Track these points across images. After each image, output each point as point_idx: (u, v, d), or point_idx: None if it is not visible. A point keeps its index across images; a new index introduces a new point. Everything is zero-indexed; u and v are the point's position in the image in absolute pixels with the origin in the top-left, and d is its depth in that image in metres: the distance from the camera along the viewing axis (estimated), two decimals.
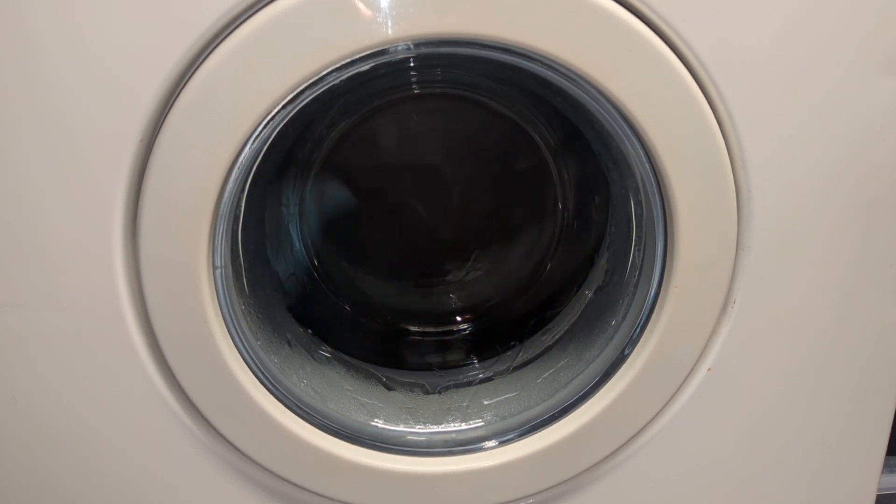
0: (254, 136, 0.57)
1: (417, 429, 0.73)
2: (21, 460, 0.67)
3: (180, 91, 0.55)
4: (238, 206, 0.67)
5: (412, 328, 1.00)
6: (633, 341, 0.67)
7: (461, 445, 0.71)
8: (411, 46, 0.56)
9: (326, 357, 0.82)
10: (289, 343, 0.77)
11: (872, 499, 0.76)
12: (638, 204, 0.69)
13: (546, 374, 0.78)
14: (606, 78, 0.56)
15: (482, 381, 0.83)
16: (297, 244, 0.98)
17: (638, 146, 0.60)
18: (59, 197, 0.57)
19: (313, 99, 0.59)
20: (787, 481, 0.74)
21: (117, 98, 0.55)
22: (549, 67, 0.58)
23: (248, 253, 0.74)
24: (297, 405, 0.67)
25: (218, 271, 0.62)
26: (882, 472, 0.75)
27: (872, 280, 0.66)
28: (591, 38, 0.55)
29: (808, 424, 0.71)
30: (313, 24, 0.53)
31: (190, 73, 0.55)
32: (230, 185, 0.58)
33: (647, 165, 0.61)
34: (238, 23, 0.54)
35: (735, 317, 0.65)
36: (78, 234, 0.59)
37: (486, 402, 0.77)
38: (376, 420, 0.73)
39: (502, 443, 0.70)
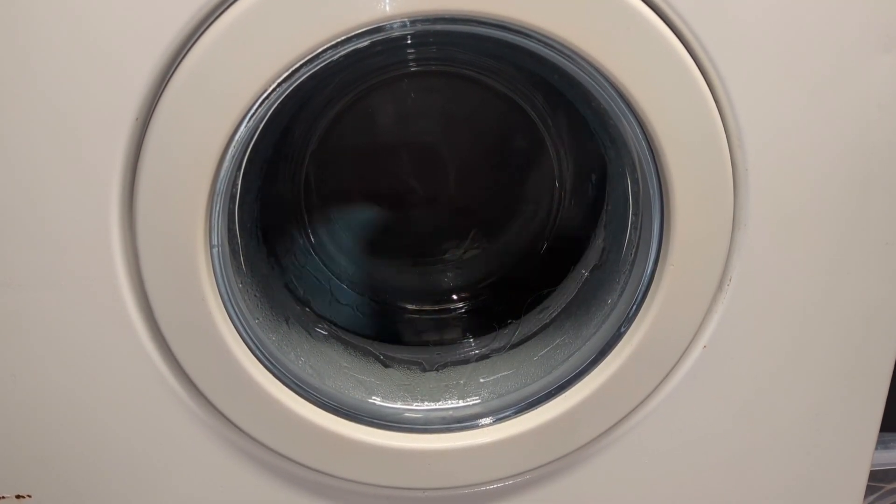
0: (250, 114, 0.56)
1: (415, 406, 0.73)
2: (20, 438, 0.67)
3: (175, 69, 0.55)
4: (235, 184, 0.67)
5: (410, 306, 1.00)
6: (629, 319, 0.68)
7: (458, 422, 0.71)
8: (407, 23, 0.56)
9: (324, 335, 0.82)
10: (286, 321, 0.77)
11: (866, 474, 0.77)
12: (634, 182, 0.69)
13: (543, 352, 0.78)
14: (603, 55, 0.56)
15: (479, 358, 0.83)
16: (294, 222, 0.98)
17: (634, 124, 0.60)
18: (56, 176, 0.57)
19: (310, 76, 0.58)
20: (782, 457, 0.74)
21: (112, 76, 0.54)
22: (546, 45, 0.57)
23: (245, 231, 0.74)
24: (295, 382, 0.67)
25: (215, 249, 0.62)
26: (875, 448, 0.76)
27: (868, 257, 0.66)
28: (588, 15, 0.55)
29: (802, 401, 0.72)
30: (309, 1, 0.53)
31: (185, 51, 0.54)
32: (226, 163, 0.58)
33: (644, 143, 0.61)
34: None
35: (731, 294, 0.66)
36: (75, 213, 0.58)
37: (482, 380, 0.77)
38: (374, 397, 0.73)
39: (499, 420, 0.70)
